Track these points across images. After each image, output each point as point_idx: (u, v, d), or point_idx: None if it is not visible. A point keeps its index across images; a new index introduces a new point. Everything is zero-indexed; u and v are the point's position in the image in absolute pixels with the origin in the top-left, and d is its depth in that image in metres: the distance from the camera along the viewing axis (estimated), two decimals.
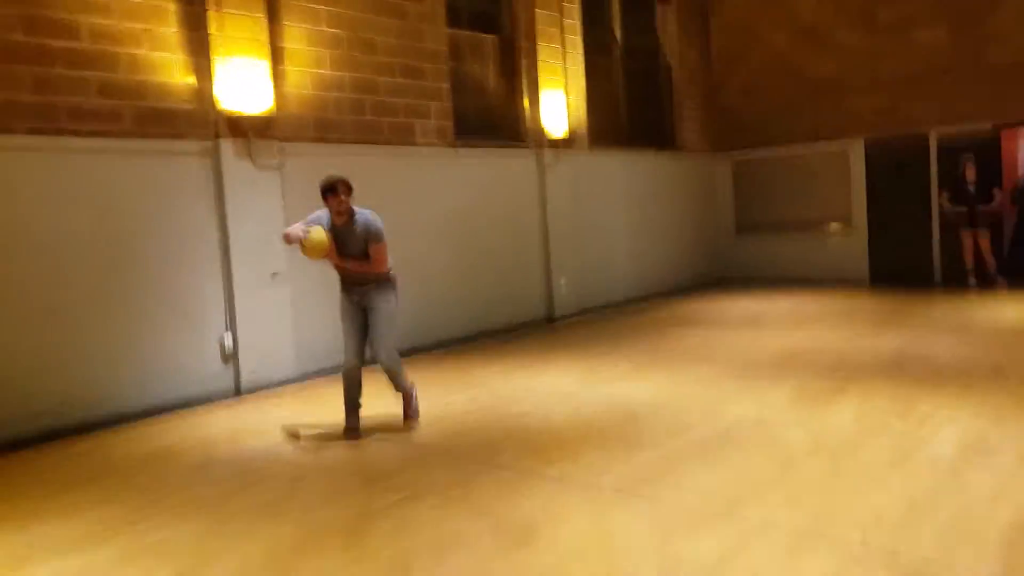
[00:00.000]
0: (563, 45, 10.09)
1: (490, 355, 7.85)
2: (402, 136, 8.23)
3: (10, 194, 5.51)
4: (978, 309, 8.96)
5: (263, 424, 5.67)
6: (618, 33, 11.76)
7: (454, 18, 8.98)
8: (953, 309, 9.10)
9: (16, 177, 5.54)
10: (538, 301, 9.87)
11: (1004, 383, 5.46)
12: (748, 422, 4.90)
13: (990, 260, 10.58)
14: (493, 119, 9.52)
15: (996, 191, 10.50)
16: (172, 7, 6.35)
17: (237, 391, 6.71)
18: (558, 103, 9.92)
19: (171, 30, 6.38)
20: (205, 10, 6.45)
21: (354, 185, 5.02)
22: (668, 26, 12.57)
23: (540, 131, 9.77)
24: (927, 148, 11.45)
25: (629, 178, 11.47)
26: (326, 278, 5.73)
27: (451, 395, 6.20)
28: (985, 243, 10.56)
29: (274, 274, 6.90)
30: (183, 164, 6.46)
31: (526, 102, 9.74)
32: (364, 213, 5.05)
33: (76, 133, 5.83)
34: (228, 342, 6.65)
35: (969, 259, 10.67)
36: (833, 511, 3.43)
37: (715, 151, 13.39)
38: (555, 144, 9.90)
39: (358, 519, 3.71)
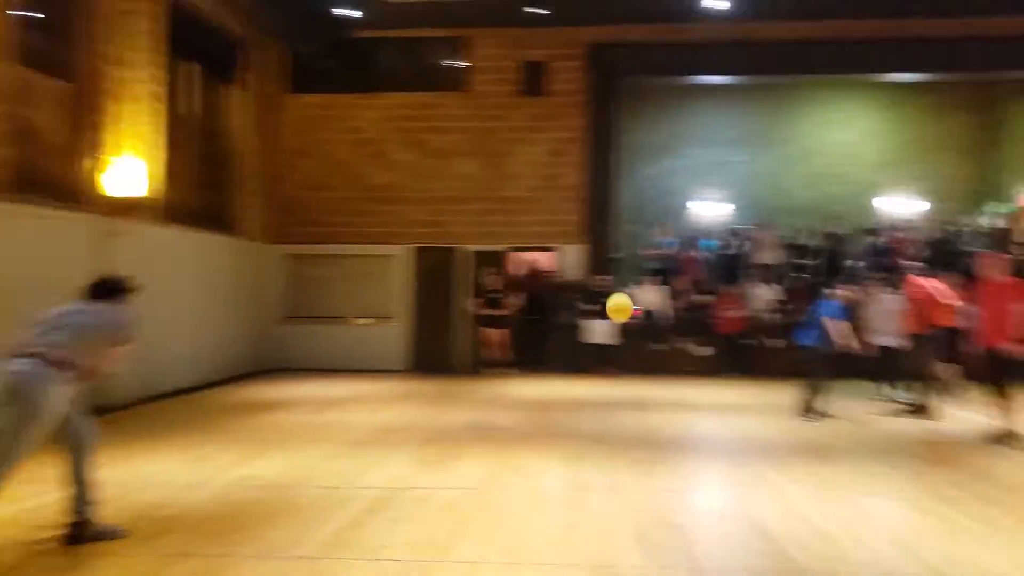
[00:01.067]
0: (145, 110, 9.49)
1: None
2: None
3: None
4: (506, 388, 10.95)
5: None
6: (197, 109, 11.50)
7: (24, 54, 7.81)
8: (490, 389, 10.95)
9: None
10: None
11: (560, 437, 6.99)
12: (393, 486, 5.36)
13: (506, 352, 12.98)
14: (47, 175, 8.33)
15: (510, 297, 13.03)
16: None
17: None
18: (134, 169, 9.18)
19: None
20: None
21: None
22: (240, 111, 12.71)
23: (106, 196, 8.87)
24: (461, 258, 13.67)
25: (195, 258, 11.05)
26: None
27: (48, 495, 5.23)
28: (503, 338, 12.92)
29: None
30: None
31: (92, 162, 8.79)
32: None
33: None
34: None
35: (491, 351, 12.93)
36: (518, 543, 4.13)
37: (272, 241, 13.68)
38: (124, 212, 9.05)
39: None
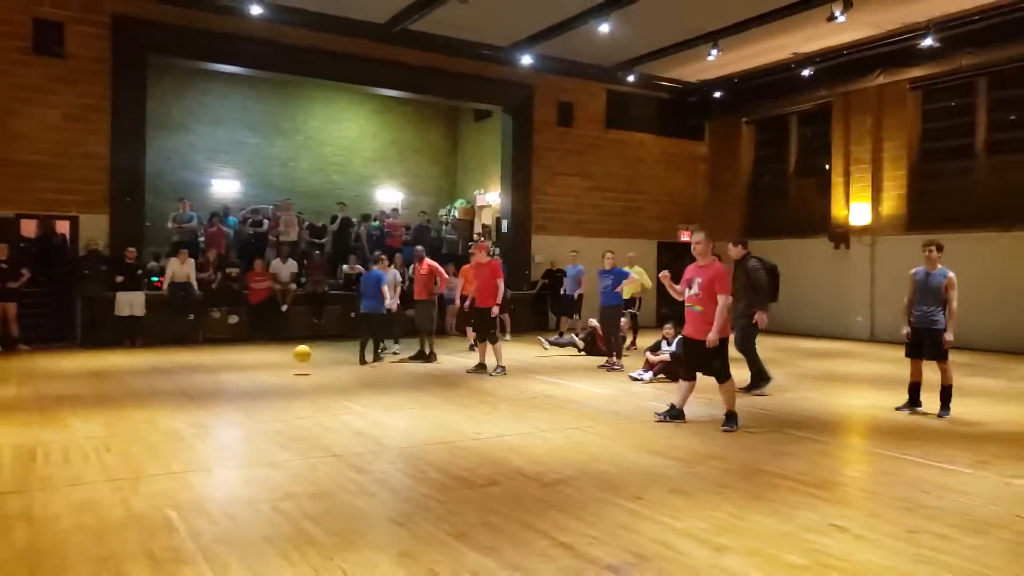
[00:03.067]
0: None
1: None
2: None
3: None
4: (29, 363, 10.50)
5: None
6: None
7: None
8: (25, 364, 10.42)
9: None
10: None
11: (149, 397, 7.72)
12: (41, 443, 5.71)
13: (15, 327, 12.15)
14: None
15: (24, 270, 12.22)
16: None
17: None
18: None
19: None
20: None
21: None
22: None
23: None
24: None
25: None
26: None
27: None
28: (12, 312, 12.05)
29: None
30: None
31: None
32: None
33: None
34: None
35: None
36: (186, 460, 5.22)
37: None
38: None
39: None
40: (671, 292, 7.17)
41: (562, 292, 14.88)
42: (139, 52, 13.81)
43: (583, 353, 12.37)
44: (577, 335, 12.86)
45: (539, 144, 18.05)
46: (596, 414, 7.45)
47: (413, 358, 11.53)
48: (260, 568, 3.51)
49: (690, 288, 6.84)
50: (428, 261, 11.59)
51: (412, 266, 12.69)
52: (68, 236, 13.62)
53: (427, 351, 11.47)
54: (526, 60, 16.46)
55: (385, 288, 11.16)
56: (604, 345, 11.41)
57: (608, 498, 4.67)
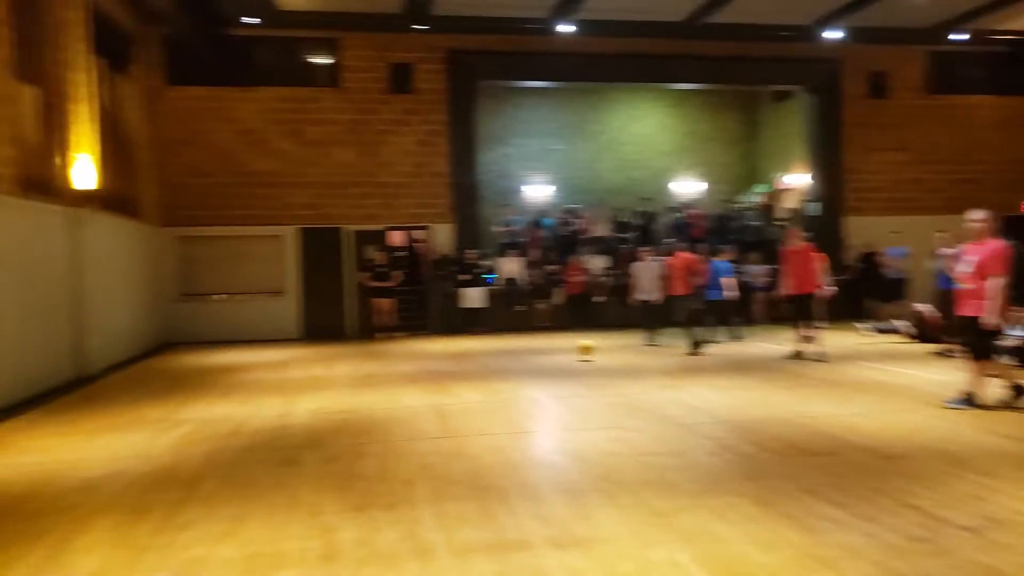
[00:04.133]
0: (85, 108, 10.14)
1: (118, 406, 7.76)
2: None
3: None
4: (410, 346, 12.87)
5: None
6: (105, 102, 11.95)
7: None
8: (397, 347, 12.82)
9: None
10: (66, 360, 9.47)
11: (500, 373, 9.16)
12: (426, 404, 7.28)
13: (394, 318, 14.81)
14: (32, 172, 8.98)
15: (397, 273, 14.83)
16: None
17: None
18: (87, 162, 9.92)
19: None
20: None
21: None
22: (131, 102, 13.21)
23: (71, 189, 9.62)
24: (342, 237, 15.20)
25: (122, 241, 11.72)
26: None
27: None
28: (391, 306, 14.74)
29: None
30: None
31: (61, 158, 9.49)
32: None
33: None
34: None
35: (382, 318, 14.70)
36: (536, 423, 6.37)
37: (163, 224, 14.32)
38: (85, 203, 9.84)
39: None
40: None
41: (881, 275, 14.22)
42: (470, 80, 15.95)
43: (914, 340, 11.80)
44: (900, 321, 12.29)
45: (848, 120, 17.30)
46: (930, 397, 7.35)
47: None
48: (643, 498, 4.37)
49: (963, 264, 6.78)
50: (683, 255, 11.93)
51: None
52: (423, 243, 16.20)
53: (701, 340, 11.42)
54: (830, 35, 15.93)
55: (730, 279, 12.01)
56: (939, 331, 10.80)
57: (955, 472, 4.83)
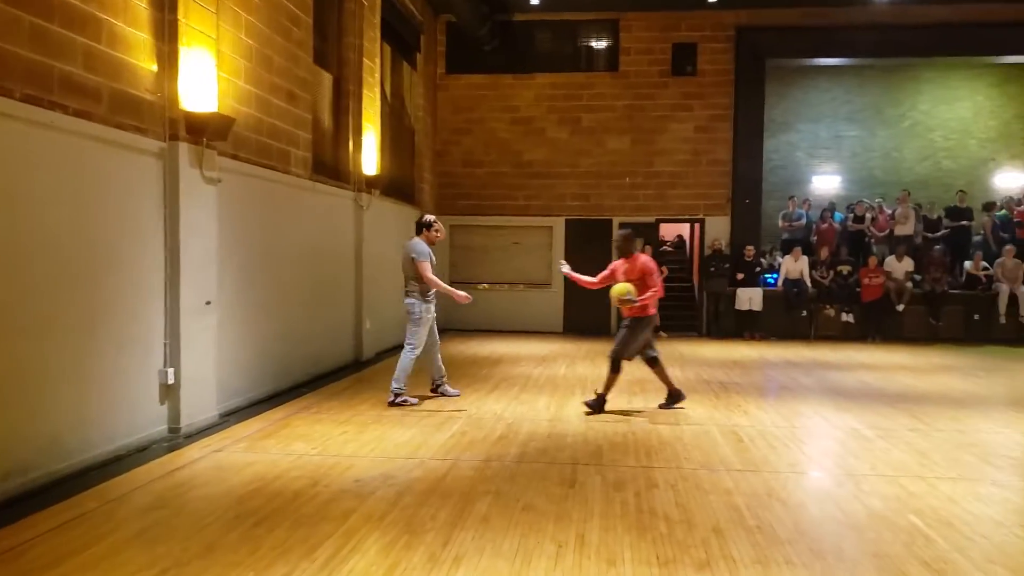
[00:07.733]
0: (373, 91, 10.45)
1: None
2: (282, 162, 7.81)
3: None
4: (674, 349, 11.81)
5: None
6: (387, 90, 12.42)
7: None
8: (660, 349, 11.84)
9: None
10: (347, 344, 9.83)
11: (792, 390, 7.86)
12: (736, 427, 6.31)
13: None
14: (323, 156, 9.38)
15: (663, 268, 13.89)
16: None
17: (175, 434, 5.68)
18: (372, 147, 10.21)
19: (141, 4, 5.40)
20: None
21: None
22: (414, 91, 13.63)
23: (359, 173, 9.93)
24: (611, 229, 14.55)
25: (395, 227, 12.05)
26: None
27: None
28: None
29: (208, 302, 6.07)
30: (140, 165, 5.41)
31: (351, 143, 9.83)
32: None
33: (65, 110, 4.62)
34: (170, 378, 5.63)
35: None
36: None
37: (440, 212, 14.68)
38: (368, 187, 10.14)
39: None
40: None
41: None
42: (758, 59, 14.46)
43: None
44: None
45: None
46: None
47: None
48: None
49: None
50: None
51: None
52: (694, 237, 15.06)
53: None
54: None
55: None
56: None
57: None
